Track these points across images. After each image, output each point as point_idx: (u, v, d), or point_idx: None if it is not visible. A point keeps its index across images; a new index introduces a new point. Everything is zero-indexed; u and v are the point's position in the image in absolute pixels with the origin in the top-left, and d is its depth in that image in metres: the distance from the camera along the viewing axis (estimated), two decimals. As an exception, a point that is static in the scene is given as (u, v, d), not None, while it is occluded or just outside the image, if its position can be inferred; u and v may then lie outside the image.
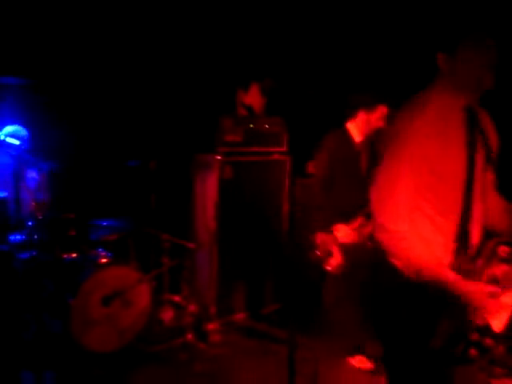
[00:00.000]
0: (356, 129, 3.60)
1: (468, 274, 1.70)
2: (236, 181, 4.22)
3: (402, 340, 1.75)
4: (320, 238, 3.50)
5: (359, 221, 3.57)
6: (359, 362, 3.52)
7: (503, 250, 1.77)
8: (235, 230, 4.26)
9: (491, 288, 1.69)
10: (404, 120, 1.77)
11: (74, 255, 3.66)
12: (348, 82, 4.30)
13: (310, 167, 4.46)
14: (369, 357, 3.51)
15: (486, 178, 1.85)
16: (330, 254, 3.48)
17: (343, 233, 3.46)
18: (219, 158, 4.14)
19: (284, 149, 4.43)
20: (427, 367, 1.72)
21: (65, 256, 3.64)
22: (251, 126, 4.30)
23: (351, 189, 3.52)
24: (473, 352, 1.69)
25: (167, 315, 3.97)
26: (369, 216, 3.56)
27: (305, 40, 4.47)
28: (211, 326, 4.05)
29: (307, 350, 3.47)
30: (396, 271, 1.71)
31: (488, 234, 1.84)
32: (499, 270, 1.75)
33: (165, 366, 3.51)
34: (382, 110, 3.53)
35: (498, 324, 1.71)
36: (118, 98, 4.58)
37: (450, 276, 1.67)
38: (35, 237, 3.56)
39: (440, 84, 1.82)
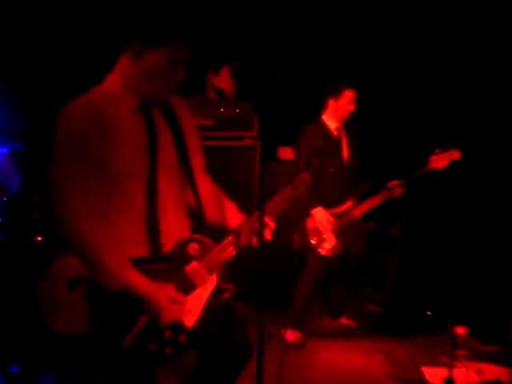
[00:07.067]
0: (329, 117, 3.75)
1: (158, 273, 1.72)
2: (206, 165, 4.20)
3: (100, 340, 1.73)
4: (309, 224, 3.59)
5: (348, 204, 3.70)
6: (290, 335, 3.62)
7: (193, 247, 1.78)
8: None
9: (175, 294, 1.71)
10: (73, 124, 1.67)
11: (40, 238, 3.61)
12: (316, 66, 4.33)
13: (280, 152, 4.48)
14: (298, 329, 3.64)
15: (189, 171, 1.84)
16: (322, 239, 3.58)
17: (320, 215, 3.57)
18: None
19: (254, 133, 4.42)
20: (124, 367, 1.71)
21: (31, 239, 3.59)
22: (222, 109, 4.29)
23: (334, 174, 3.65)
24: (168, 350, 1.70)
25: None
26: (359, 198, 3.72)
27: (274, 22, 4.45)
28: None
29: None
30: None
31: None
32: (190, 267, 1.77)
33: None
34: (348, 95, 3.67)
35: (189, 320, 1.75)
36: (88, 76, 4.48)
37: (133, 278, 1.67)
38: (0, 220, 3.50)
39: (116, 74, 1.78)
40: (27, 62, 4.37)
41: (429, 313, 4.04)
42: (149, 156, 1.74)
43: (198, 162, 1.93)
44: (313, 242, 3.60)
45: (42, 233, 3.63)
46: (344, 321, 4.07)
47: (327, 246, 3.57)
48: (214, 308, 1.80)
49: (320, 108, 3.80)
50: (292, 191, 1.94)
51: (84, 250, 1.68)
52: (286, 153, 4.55)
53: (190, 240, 1.80)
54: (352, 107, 3.71)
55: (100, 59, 4.38)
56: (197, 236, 1.82)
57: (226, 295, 1.83)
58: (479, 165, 4.13)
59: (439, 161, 3.54)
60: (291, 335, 3.63)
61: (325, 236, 3.56)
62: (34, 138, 3.97)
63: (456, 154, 3.55)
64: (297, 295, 3.70)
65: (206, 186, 1.97)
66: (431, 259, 4.13)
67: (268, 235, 1.87)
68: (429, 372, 3.29)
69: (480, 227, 4.10)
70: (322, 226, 3.56)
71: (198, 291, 1.78)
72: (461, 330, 3.75)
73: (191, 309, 1.75)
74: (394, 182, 3.64)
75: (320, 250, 3.58)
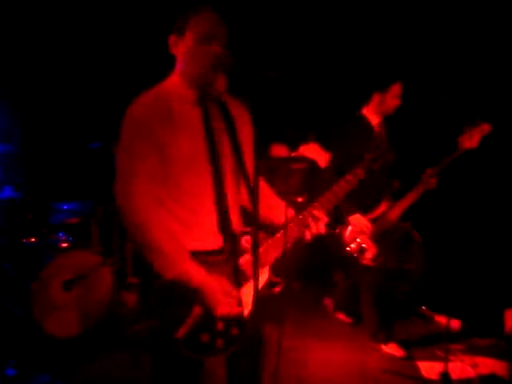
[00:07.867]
0: (372, 112, 3.61)
1: (212, 266, 1.74)
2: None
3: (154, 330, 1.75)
4: (347, 234, 3.41)
5: (383, 206, 3.51)
6: (392, 349, 3.51)
7: (246, 240, 1.80)
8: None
9: (227, 286, 1.74)
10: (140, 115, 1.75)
11: (33, 239, 3.58)
12: (310, 65, 4.32)
13: (273, 150, 4.48)
14: (400, 344, 3.52)
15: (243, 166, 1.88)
16: (362, 249, 3.40)
17: (359, 222, 3.37)
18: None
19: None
20: (175, 356, 1.73)
21: (24, 240, 3.56)
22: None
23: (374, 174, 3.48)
24: (219, 342, 1.73)
25: (131, 298, 3.94)
26: (394, 198, 3.53)
27: (270, 21, 4.44)
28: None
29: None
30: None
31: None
32: (243, 260, 1.80)
33: (130, 349, 3.47)
34: (395, 89, 3.54)
35: (245, 312, 1.77)
36: (79, 77, 4.46)
37: (190, 267, 1.70)
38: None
39: (175, 74, 1.86)
40: (15, 66, 4.33)
41: (424, 307, 4.06)
42: (208, 145, 1.81)
43: (250, 158, 1.94)
44: (352, 251, 3.42)
45: (34, 234, 3.61)
46: (340, 316, 4.07)
47: (369, 255, 3.38)
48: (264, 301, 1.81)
49: (312, 107, 3.72)
50: (344, 186, 1.96)
51: (144, 233, 1.68)
52: (279, 150, 4.54)
53: (243, 233, 1.82)
54: (398, 101, 3.56)
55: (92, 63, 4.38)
56: (249, 229, 1.83)
57: (277, 288, 1.85)
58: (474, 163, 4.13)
59: (469, 139, 3.31)
60: (392, 348, 3.51)
61: (365, 245, 3.37)
62: (21, 140, 3.95)
63: (486, 128, 3.32)
64: (366, 315, 3.63)
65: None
66: (426, 254, 4.14)
67: (322, 228, 1.89)
68: (424, 366, 3.30)
69: (475, 223, 4.10)
70: (361, 235, 3.35)
71: (250, 284, 1.78)
72: (455, 324, 3.78)
73: (243, 302, 1.78)
74: (428, 172, 3.45)
75: (364, 261, 3.39)
